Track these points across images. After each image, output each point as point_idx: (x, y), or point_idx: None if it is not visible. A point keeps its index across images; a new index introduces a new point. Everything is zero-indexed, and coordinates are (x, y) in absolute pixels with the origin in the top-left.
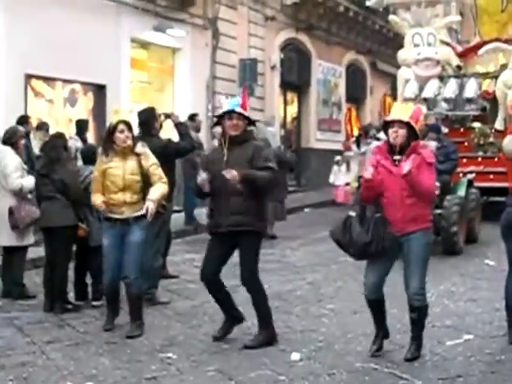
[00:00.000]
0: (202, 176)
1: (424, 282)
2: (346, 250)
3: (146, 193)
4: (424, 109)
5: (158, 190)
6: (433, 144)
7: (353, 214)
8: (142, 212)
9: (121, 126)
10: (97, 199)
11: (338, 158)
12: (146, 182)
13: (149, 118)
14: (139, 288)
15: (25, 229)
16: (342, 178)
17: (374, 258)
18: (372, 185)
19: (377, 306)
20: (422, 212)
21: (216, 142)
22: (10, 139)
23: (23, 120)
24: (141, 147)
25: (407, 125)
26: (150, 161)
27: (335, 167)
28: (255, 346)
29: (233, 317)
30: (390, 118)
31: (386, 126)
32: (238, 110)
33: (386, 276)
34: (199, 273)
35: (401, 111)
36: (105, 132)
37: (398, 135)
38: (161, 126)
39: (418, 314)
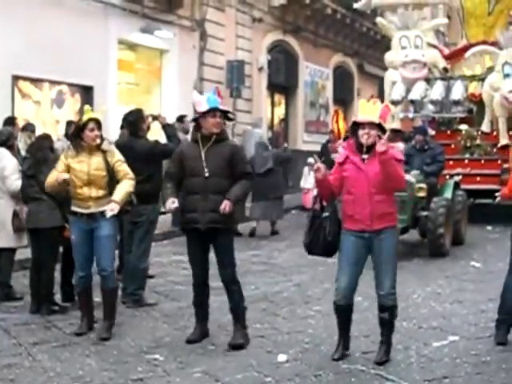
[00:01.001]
0: (171, 206)
1: (396, 281)
2: None
3: (112, 188)
4: (393, 109)
5: (123, 188)
6: (400, 146)
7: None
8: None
9: (91, 125)
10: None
11: (310, 160)
12: (113, 178)
13: (136, 120)
14: (115, 282)
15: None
16: (311, 180)
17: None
18: (323, 184)
19: (346, 312)
20: (388, 210)
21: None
22: (7, 141)
23: (10, 121)
24: (107, 144)
25: (377, 125)
26: (115, 157)
27: (306, 170)
28: (245, 344)
29: (204, 325)
30: (360, 119)
31: (354, 125)
32: (222, 107)
33: (358, 279)
34: (192, 277)
35: (370, 111)
36: (74, 128)
37: (369, 136)
38: (148, 127)
39: (390, 314)
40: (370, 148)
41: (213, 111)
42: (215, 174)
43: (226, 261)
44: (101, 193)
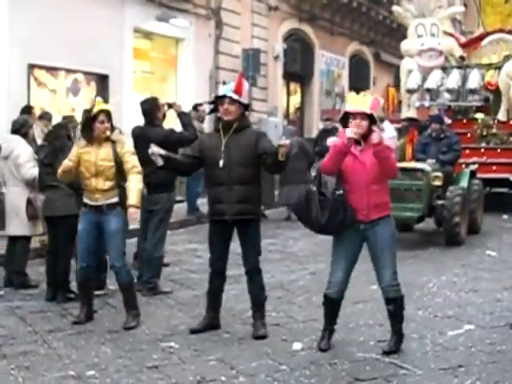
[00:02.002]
0: (154, 149)
1: (396, 272)
2: (304, 224)
3: (119, 180)
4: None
5: (135, 187)
6: (389, 133)
7: (314, 188)
8: (116, 200)
9: (101, 117)
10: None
11: None
12: (121, 169)
13: (151, 108)
14: (129, 275)
15: (41, 218)
16: None
17: (332, 235)
18: (340, 157)
19: (336, 305)
20: (384, 199)
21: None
22: (21, 129)
23: (27, 110)
24: (117, 134)
25: (368, 116)
26: (125, 148)
27: None
28: (266, 335)
29: (214, 317)
30: (352, 109)
31: (345, 116)
32: (230, 94)
33: (351, 272)
34: (209, 264)
35: (361, 102)
36: (83, 119)
37: (360, 127)
38: (164, 115)
39: (394, 305)
40: (363, 139)
41: (220, 99)
42: (236, 164)
43: (252, 250)
44: (108, 184)
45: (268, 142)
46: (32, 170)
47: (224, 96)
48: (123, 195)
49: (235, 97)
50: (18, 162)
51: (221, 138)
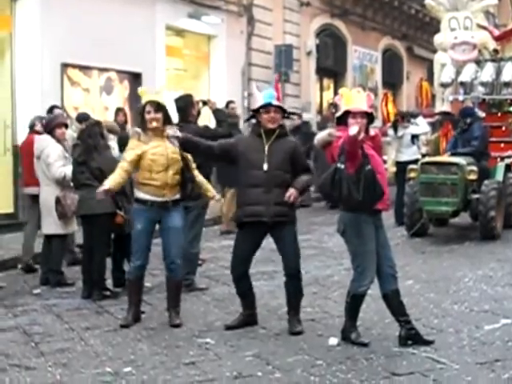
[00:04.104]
0: (169, 132)
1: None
2: (336, 203)
3: (182, 176)
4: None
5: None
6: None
7: (341, 166)
8: (179, 196)
9: (147, 108)
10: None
11: None
12: (186, 165)
13: (186, 105)
14: (181, 273)
15: (71, 217)
16: None
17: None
18: (357, 143)
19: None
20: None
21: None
22: (46, 127)
23: (51, 110)
24: (173, 131)
25: (366, 114)
26: None
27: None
28: (302, 331)
29: (250, 314)
30: (353, 108)
31: (344, 115)
32: (275, 103)
33: None
34: (231, 269)
35: (359, 100)
36: (139, 113)
37: (362, 125)
38: (199, 112)
39: (398, 294)
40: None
41: (266, 107)
42: (277, 168)
43: (292, 253)
44: (176, 179)
45: (302, 159)
46: (61, 169)
47: (270, 104)
48: (190, 188)
49: (283, 106)
50: (47, 162)
51: (263, 142)
